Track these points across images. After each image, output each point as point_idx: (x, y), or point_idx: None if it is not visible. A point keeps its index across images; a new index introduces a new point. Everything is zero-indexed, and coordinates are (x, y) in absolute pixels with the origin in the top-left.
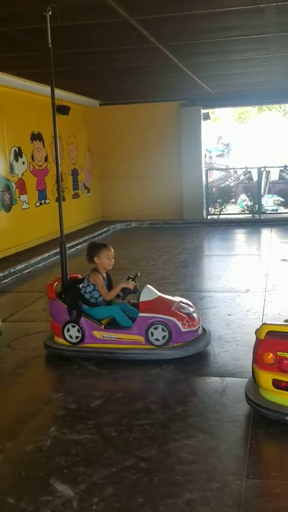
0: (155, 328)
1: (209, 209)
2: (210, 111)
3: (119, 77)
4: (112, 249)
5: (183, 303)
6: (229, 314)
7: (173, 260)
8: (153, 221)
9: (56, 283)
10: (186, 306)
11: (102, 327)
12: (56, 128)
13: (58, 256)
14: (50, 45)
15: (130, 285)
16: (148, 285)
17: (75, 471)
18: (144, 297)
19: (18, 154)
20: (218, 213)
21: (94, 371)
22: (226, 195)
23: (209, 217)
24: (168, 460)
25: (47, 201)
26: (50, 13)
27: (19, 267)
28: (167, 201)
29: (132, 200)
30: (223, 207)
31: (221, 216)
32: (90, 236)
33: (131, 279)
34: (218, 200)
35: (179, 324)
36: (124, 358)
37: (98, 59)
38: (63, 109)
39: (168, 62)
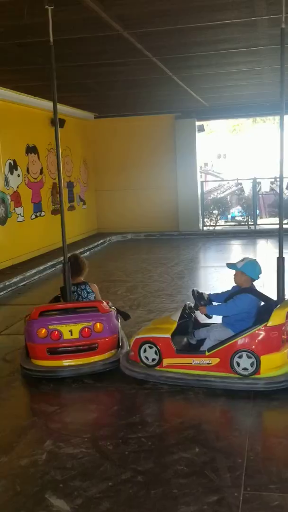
0: None
1: (205, 220)
2: (204, 123)
3: (114, 90)
4: None
5: None
6: None
7: (169, 271)
8: (149, 233)
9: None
10: None
11: None
12: (58, 136)
13: (54, 269)
14: (52, 43)
15: None
16: None
17: (70, 486)
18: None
19: (13, 167)
20: (214, 224)
21: (90, 384)
22: (222, 207)
23: (205, 228)
24: (164, 473)
25: (43, 213)
26: (52, 7)
27: (14, 279)
28: (163, 212)
29: (128, 212)
30: (218, 218)
31: (217, 228)
32: (86, 248)
33: None
34: (214, 212)
35: None
36: None
37: (92, 72)
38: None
39: (162, 75)
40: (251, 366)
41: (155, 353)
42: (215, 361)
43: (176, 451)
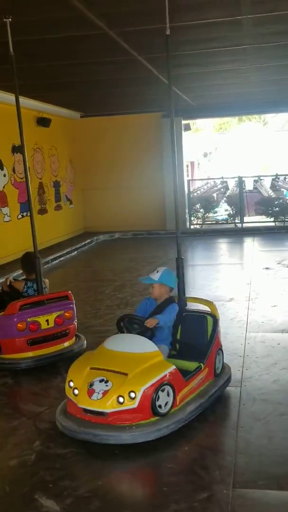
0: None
1: (192, 219)
2: (191, 122)
3: (100, 89)
4: None
5: None
6: None
7: None
8: (136, 232)
9: None
10: None
11: None
12: (23, 140)
13: (48, 265)
14: (12, 53)
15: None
16: None
17: (60, 485)
18: None
19: None
20: (201, 223)
21: None
22: (208, 205)
23: (192, 227)
24: (154, 471)
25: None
26: (10, 19)
27: (0, 280)
28: (150, 211)
29: (115, 211)
30: (205, 216)
31: (204, 226)
32: (74, 248)
33: None
34: (200, 210)
35: None
36: None
37: (78, 71)
38: (44, 121)
39: (148, 74)
40: (219, 363)
41: (168, 394)
42: (205, 372)
43: (165, 449)
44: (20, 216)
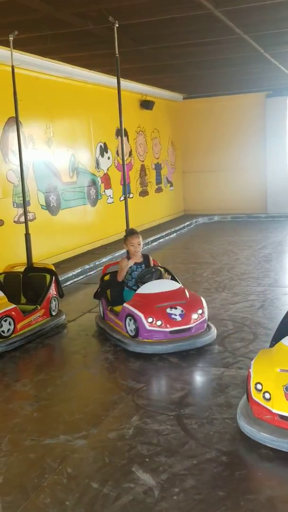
0: (130, 320)
1: None
2: None
3: (203, 69)
4: (139, 237)
5: (175, 306)
6: None
7: (256, 254)
8: (236, 215)
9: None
10: (177, 308)
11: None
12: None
13: (148, 246)
14: (117, 55)
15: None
16: (163, 280)
17: (156, 461)
18: (141, 290)
19: (103, 150)
20: None
21: (175, 364)
22: None
23: None
24: (249, 455)
25: (131, 195)
26: (117, 25)
27: (104, 259)
28: (250, 194)
29: (215, 194)
30: None
31: None
32: (173, 230)
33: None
34: None
35: (144, 321)
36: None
37: (182, 53)
38: (147, 104)
39: (253, 53)
40: None
41: None
42: None
43: None
44: (122, 198)
